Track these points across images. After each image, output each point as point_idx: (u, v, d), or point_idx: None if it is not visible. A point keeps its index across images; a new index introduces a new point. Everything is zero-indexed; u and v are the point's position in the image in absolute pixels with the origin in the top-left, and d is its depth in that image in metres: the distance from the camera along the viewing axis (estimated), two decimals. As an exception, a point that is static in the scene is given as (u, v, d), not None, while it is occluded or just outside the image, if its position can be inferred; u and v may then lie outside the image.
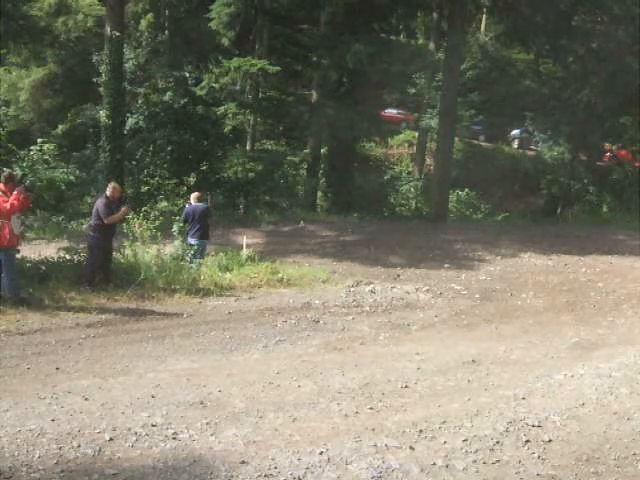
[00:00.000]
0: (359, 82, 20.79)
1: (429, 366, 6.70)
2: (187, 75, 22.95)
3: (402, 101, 29.50)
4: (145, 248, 10.52)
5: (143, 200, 16.13)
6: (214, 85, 22.71)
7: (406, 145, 29.73)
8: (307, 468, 4.30)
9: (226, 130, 22.20)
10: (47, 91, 24.32)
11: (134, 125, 19.57)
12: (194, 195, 11.78)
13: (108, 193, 9.55)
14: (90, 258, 9.51)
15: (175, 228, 11.89)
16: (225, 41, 20.98)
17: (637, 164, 26.53)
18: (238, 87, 24.83)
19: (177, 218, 12.71)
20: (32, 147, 11.25)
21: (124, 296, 8.97)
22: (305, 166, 23.17)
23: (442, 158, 20.64)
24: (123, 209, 9.52)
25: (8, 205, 7.92)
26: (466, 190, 24.22)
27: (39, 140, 11.66)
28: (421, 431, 4.96)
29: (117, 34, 16.71)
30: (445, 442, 4.81)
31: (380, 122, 24.27)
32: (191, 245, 11.23)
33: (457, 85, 20.84)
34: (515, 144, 31.11)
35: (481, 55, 25.69)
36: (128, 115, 19.17)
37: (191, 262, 10.85)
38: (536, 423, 5.28)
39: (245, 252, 12.28)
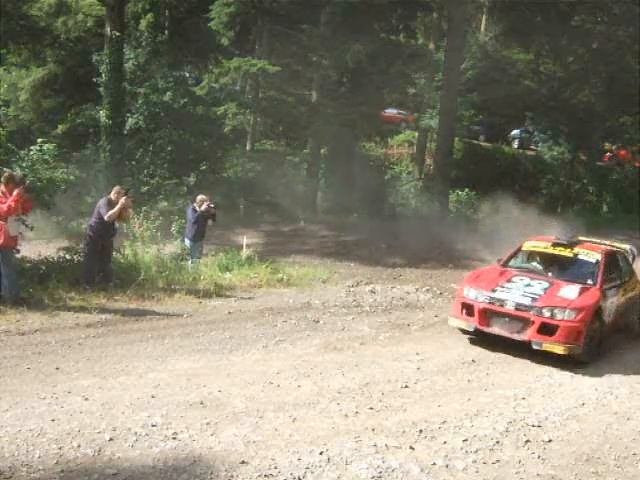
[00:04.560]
0: (359, 82, 20.77)
1: (429, 366, 6.70)
2: (187, 75, 22.94)
3: (402, 101, 29.46)
4: (145, 248, 10.52)
5: (143, 200, 16.08)
6: (214, 85, 22.73)
7: (406, 145, 29.68)
8: (307, 468, 4.30)
9: (226, 130, 22.20)
10: (47, 91, 24.26)
11: (134, 125, 19.55)
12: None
13: (112, 196, 9.53)
14: (87, 257, 9.51)
15: (174, 228, 11.91)
16: (225, 41, 20.97)
17: (637, 164, 26.52)
18: (238, 87, 24.86)
19: (177, 218, 12.74)
20: (32, 147, 11.21)
21: (124, 296, 8.96)
22: (305, 166, 23.18)
23: (442, 158, 20.64)
24: (122, 201, 9.38)
25: (5, 207, 7.91)
26: (466, 190, 24.20)
27: (39, 140, 11.60)
28: (421, 431, 4.96)
29: (117, 34, 16.71)
30: (445, 442, 4.81)
31: (380, 122, 24.25)
32: (186, 245, 11.34)
33: (457, 85, 20.84)
34: (515, 144, 31.09)
35: (481, 55, 25.59)
36: (128, 115, 19.16)
37: (191, 262, 10.89)
38: (536, 423, 5.28)
39: (245, 252, 12.28)
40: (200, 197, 11.69)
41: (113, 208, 9.38)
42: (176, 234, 12.15)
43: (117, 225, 9.59)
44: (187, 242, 11.36)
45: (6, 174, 8.28)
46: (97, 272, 9.30)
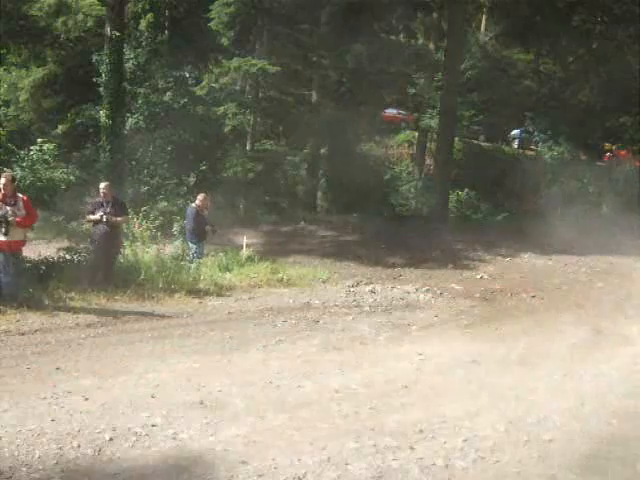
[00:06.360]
0: (359, 82, 20.78)
1: (429, 366, 6.69)
2: (187, 75, 22.91)
3: (402, 101, 29.46)
4: (145, 248, 10.53)
5: (143, 200, 16.07)
6: (214, 85, 22.69)
7: (406, 145, 29.68)
8: (307, 468, 4.29)
9: (226, 130, 22.18)
10: (47, 91, 24.24)
11: (134, 125, 19.55)
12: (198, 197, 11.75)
13: (100, 192, 9.63)
14: (91, 255, 9.60)
15: (175, 228, 11.90)
16: (225, 41, 20.95)
17: (637, 164, 26.51)
18: (238, 87, 24.84)
19: (177, 218, 12.74)
20: (32, 147, 11.22)
21: (124, 296, 8.97)
22: (305, 166, 23.17)
23: (442, 158, 20.63)
24: (99, 214, 9.42)
25: None
26: (466, 190, 24.20)
27: (39, 140, 11.61)
28: (421, 431, 4.95)
29: (117, 34, 16.68)
30: (445, 442, 4.80)
31: (380, 122, 24.23)
32: (188, 245, 11.34)
33: (457, 85, 20.83)
34: (515, 144, 31.09)
35: (481, 55, 25.60)
36: (128, 115, 19.14)
37: (191, 262, 10.90)
38: (536, 423, 5.28)
39: (245, 252, 12.29)
40: (200, 195, 11.67)
41: (95, 204, 9.60)
42: (177, 234, 12.16)
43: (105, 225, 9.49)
44: (189, 243, 11.36)
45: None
46: (97, 273, 9.34)
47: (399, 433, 4.89)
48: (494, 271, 13.06)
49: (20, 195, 8.27)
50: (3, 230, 7.90)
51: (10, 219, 7.91)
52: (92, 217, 9.49)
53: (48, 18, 22.02)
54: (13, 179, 8.31)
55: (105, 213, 9.39)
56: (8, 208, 7.93)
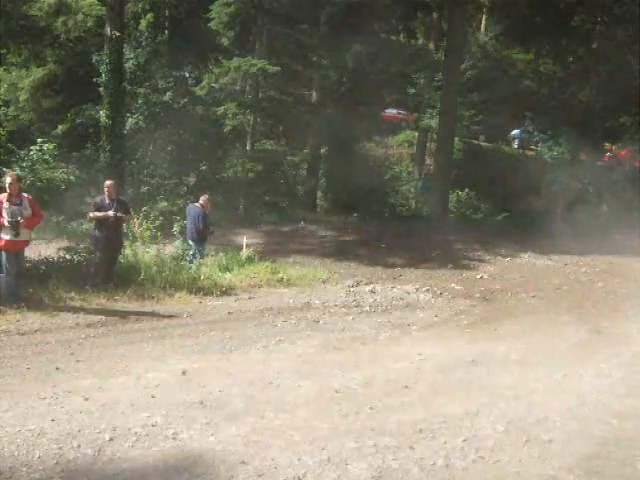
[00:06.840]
0: (359, 82, 20.79)
1: (429, 366, 6.69)
2: (187, 75, 22.94)
3: (402, 101, 29.47)
4: (145, 248, 10.52)
5: (143, 200, 16.08)
6: (214, 85, 22.72)
7: (406, 145, 29.71)
8: (307, 468, 4.29)
9: (226, 130, 22.20)
10: (47, 91, 24.23)
11: (134, 125, 19.55)
12: (201, 197, 11.71)
13: (104, 190, 9.60)
14: (92, 255, 9.60)
15: (175, 228, 11.88)
16: (225, 41, 20.97)
17: (637, 164, 26.52)
18: (238, 87, 24.85)
19: (177, 218, 12.73)
20: (32, 147, 11.23)
21: (124, 296, 8.97)
22: (305, 166, 23.18)
23: (442, 158, 20.66)
24: (107, 212, 9.34)
25: None
26: (466, 190, 24.21)
27: (39, 140, 11.63)
28: (421, 431, 4.95)
29: (117, 34, 16.69)
30: (445, 442, 4.80)
31: (380, 122, 24.24)
32: (189, 245, 11.31)
33: (457, 85, 20.85)
34: (515, 144, 31.12)
35: (481, 55, 25.68)
36: (128, 115, 19.15)
37: (190, 262, 10.90)
38: (536, 423, 5.28)
39: (245, 252, 12.29)
40: (204, 196, 11.65)
41: (99, 203, 9.46)
42: (177, 234, 12.15)
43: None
44: (191, 243, 11.33)
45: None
46: (100, 272, 9.34)
47: (399, 433, 4.89)
48: (494, 271, 13.07)
49: (25, 194, 8.27)
50: (14, 232, 7.91)
51: (21, 221, 7.91)
52: (101, 214, 9.34)
53: (48, 18, 22.00)
54: (18, 178, 8.30)
55: (116, 210, 9.33)
56: (15, 208, 7.92)
